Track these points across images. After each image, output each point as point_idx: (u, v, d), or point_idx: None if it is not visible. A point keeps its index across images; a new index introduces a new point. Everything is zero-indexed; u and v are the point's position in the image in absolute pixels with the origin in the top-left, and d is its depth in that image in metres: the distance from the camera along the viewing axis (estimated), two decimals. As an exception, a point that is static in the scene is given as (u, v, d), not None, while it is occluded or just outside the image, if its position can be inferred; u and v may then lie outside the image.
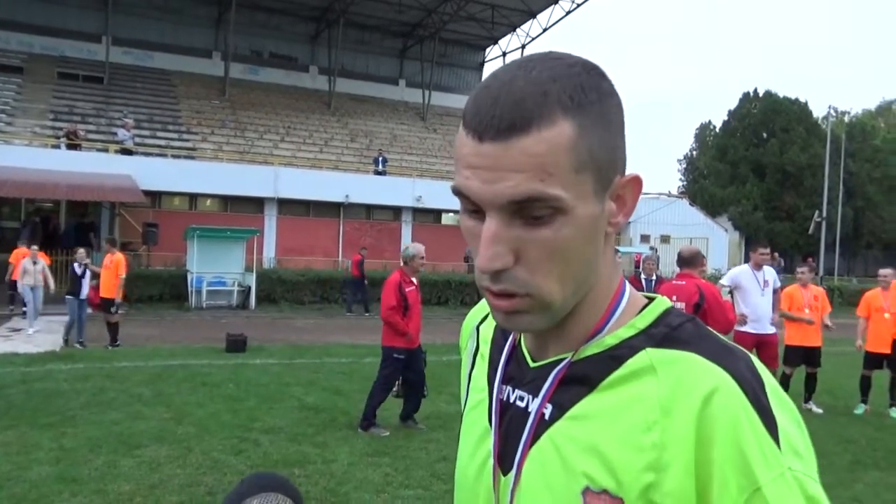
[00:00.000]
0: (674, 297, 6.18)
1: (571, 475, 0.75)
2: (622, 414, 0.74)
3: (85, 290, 11.95)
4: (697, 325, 0.78)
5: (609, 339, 0.78)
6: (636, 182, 0.78)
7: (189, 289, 19.02)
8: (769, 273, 7.90)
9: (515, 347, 0.88)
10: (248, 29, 32.23)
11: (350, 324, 17.33)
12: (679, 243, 20.94)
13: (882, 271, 8.63)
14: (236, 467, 5.49)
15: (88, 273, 12.12)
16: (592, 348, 0.79)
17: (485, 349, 0.95)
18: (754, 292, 7.66)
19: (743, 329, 7.47)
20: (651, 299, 0.84)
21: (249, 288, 19.65)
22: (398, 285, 6.56)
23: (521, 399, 0.83)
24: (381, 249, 24.22)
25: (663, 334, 0.77)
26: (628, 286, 0.84)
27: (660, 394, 0.72)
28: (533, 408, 0.81)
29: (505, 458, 0.82)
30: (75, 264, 12.11)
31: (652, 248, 23.17)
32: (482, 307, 0.99)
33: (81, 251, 12.37)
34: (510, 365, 0.88)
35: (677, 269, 6.39)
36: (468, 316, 1.03)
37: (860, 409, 8.39)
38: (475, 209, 0.74)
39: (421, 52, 35.38)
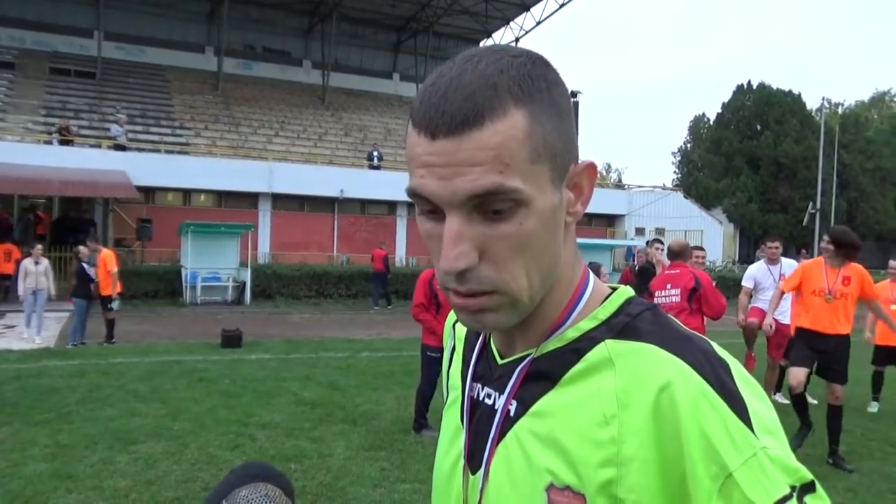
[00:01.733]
0: (668, 285, 6.32)
1: (535, 472, 0.75)
2: (581, 408, 0.73)
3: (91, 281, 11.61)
4: (657, 313, 0.78)
5: (570, 332, 0.78)
6: (591, 169, 0.77)
7: (184, 284, 18.98)
8: (787, 266, 7.84)
9: (486, 345, 0.88)
10: (241, 23, 32.09)
11: (346, 319, 17.32)
12: (673, 236, 20.97)
13: (893, 262, 8.38)
14: (233, 463, 5.48)
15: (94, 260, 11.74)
16: (554, 342, 0.78)
17: (459, 347, 0.95)
18: (770, 289, 7.66)
19: (757, 305, 7.53)
20: (614, 289, 0.83)
21: (244, 283, 19.61)
22: (428, 282, 6.32)
23: (489, 396, 0.83)
24: (376, 244, 24.18)
25: (623, 324, 0.76)
26: (592, 276, 0.84)
27: (616, 387, 0.72)
28: (499, 405, 0.81)
29: (474, 457, 0.82)
30: (84, 264, 11.64)
31: (656, 239, 23.14)
32: None
33: (83, 249, 11.98)
34: (480, 363, 0.88)
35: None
36: (449, 315, 1.02)
37: (875, 408, 8.11)
38: (433, 209, 0.72)
39: (415, 45, 35.30)
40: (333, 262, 23.99)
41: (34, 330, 12.15)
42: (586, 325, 0.78)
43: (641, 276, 8.45)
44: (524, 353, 0.80)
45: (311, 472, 5.32)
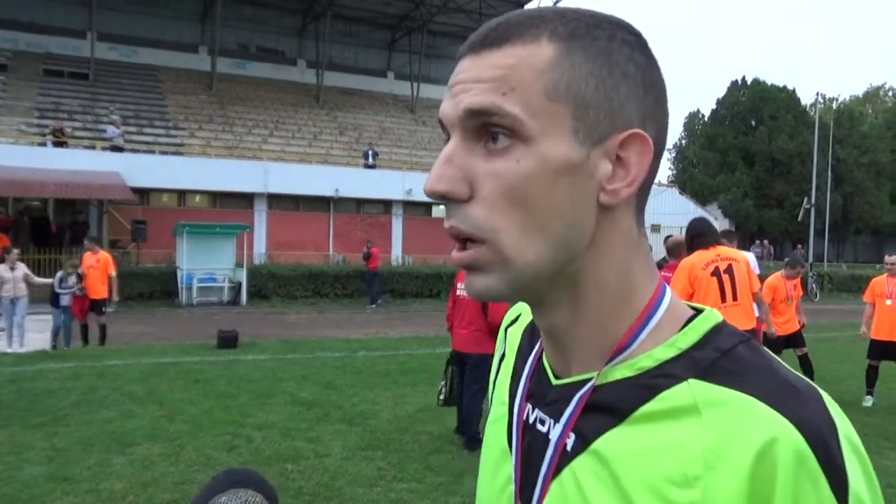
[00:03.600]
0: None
1: None
2: (656, 459, 0.62)
3: (65, 300, 11.43)
4: (753, 348, 0.65)
5: (643, 360, 0.66)
6: (641, 140, 0.64)
7: (179, 285, 18.96)
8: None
9: (540, 360, 0.77)
10: (235, 23, 31.99)
11: (343, 318, 17.32)
12: (669, 232, 21.01)
13: (889, 258, 8.33)
14: (229, 464, 5.48)
15: (73, 280, 11.48)
16: (622, 370, 0.67)
17: (510, 357, 0.85)
18: None
19: None
20: (698, 311, 0.70)
21: (240, 283, 19.59)
22: (455, 284, 6.15)
23: (542, 423, 0.72)
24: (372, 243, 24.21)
25: (710, 360, 0.64)
26: (668, 291, 0.71)
27: (704, 444, 0.60)
28: (554, 435, 0.70)
29: (525, 487, 0.73)
30: (57, 278, 11.49)
31: (671, 236, 23.20)
32: (516, 308, 0.90)
33: (72, 264, 11.82)
34: (533, 379, 0.77)
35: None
36: (505, 316, 0.93)
37: (868, 402, 8.08)
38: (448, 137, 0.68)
39: (409, 44, 35.24)
40: (329, 262, 23.97)
41: (16, 343, 11.26)
42: (662, 353, 0.66)
43: None
44: (583, 377, 0.69)
45: (307, 473, 5.31)
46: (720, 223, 36.90)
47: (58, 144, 21.91)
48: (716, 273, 5.53)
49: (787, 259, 9.39)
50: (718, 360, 0.63)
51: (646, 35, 0.68)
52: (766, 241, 36.54)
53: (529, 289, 0.67)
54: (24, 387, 8.21)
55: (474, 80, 0.64)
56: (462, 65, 0.66)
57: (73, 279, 11.59)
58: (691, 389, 0.62)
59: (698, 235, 5.78)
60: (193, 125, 27.66)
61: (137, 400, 7.65)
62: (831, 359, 10.16)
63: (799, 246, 37.92)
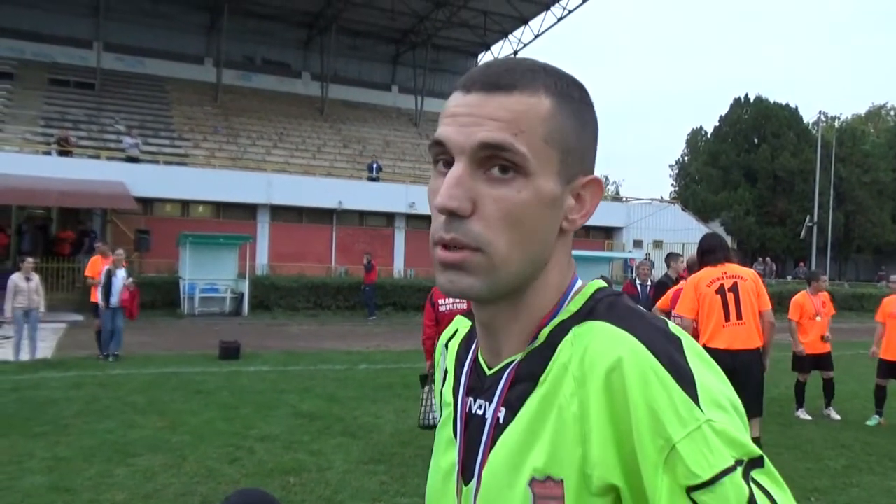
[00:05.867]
0: None
1: (520, 471, 0.76)
2: (554, 396, 0.75)
3: (115, 300, 10.95)
4: (620, 297, 0.80)
5: (546, 329, 0.80)
6: (596, 184, 0.82)
7: (182, 296, 18.96)
8: None
9: (476, 359, 0.89)
10: (241, 35, 32.17)
11: (345, 330, 17.30)
12: (671, 248, 21.01)
13: (894, 277, 8.42)
14: (231, 476, 5.47)
15: (124, 273, 11.16)
16: (535, 343, 0.81)
17: (451, 366, 0.97)
18: None
19: None
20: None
21: (242, 294, 19.60)
22: (435, 301, 5.84)
23: (480, 407, 0.84)
24: (374, 256, 24.19)
25: (588, 309, 0.79)
26: (579, 280, 0.86)
27: (573, 365, 0.74)
28: (489, 414, 0.82)
29: (467, 468, 0.84)
30: (108, 267, 11.01)
31: (647, 255, 23.25)
32: (453, 326, 1.03)
33: (120, 252, 11.42)
34: (471, 377, 0.89)
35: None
36: (443, 333, 1.05)
37: (873, 421, 8.03)
38: (445, 161, 0.78)
39: (413, 58, 35.39)
40: (331, 274, 23.98)
41: (26, 356, 10.95)
42: (559, 318, 0.80)
43: (658, 290, 8.19)
44: (510, 360, 0.82)
45: (309, 486, 5.29)
46: (722, 240, 36.81)
47: (63, 153, 22.00)
48: (720, 291, 5.48)
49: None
50: (593, 308, 0.79)
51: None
52: (768, 259, 36.48)
53: (501, 292, 0.78)
54: (25, 395, 8.21)
55: (488, 117, 0.75)
56: (470, 98, 0.77)
57: (122, 272, 11.15)
58: (573, 333, 0.77)
59: (708, 252, 5.72)
60: (198, 136, 27.76)
61: (139, 410, 7.63)
62: (836, 377, 10.11)
63: (801, 264, 37.87)
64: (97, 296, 11.31)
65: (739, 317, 5.41)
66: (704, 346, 5.35)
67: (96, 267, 11.59)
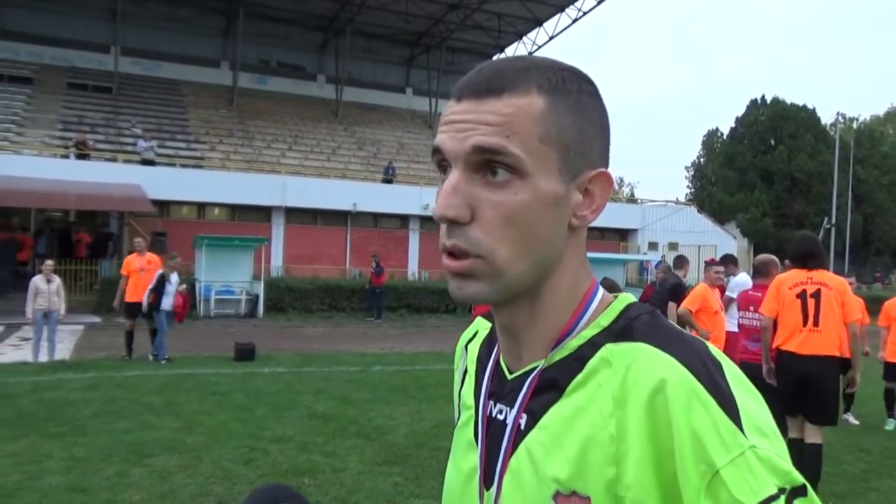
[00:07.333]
0: (751, 308, 6.05)
1: (543, 482, 0.75)
2: (585, 412, 0.74)
3: (168, 303, 11.10)
4: (655, 316, 0.79)
5: (574, 340, 0.79)
6: (605, 178, 0.80)
7: (197, 297, 19.07)
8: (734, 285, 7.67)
9: (498, 363, 0.89)
10: (256, 38, 32.36)
11: (359, 332, 17.34)
12: (686, 251, 20.87)
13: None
14: (246, 477, 5.49)
15: (176, 278, 11.28)
16: (560, 352, 0.80)
17: (471, 368, 0.96)
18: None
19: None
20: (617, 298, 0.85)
21: (257, 296, 19.71)
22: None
23: (501, 412, 0.84)
24: (388, 258, 24.24)
25: (622, 327, 0.78)
26: (600, 288, 0.85)
27: (613, 386, 0.73)
28: (510, 419, 0.82)
29: (488, 473, 0.84)
30: (161, 272, 11.07)
31: (662, 258, 23.12)
32: (473, 327, 1.02)
33: (176, 256, 11.56)
34: (493, 381, 0.89)
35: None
36: (461, 336, 1.05)
37: (890, 425, 7.99)
38: (445, 167, 0.78)
39: (428, 60, 35.47)
40: (346, 276, 24.05)
41: (45, 357, 11.01)
42: (589, 332, 0.79)
43: (673, 294, 8.11)
44: (532, 366, 0.82)
45: (324, 487, 5.31)
46: (738, 242, 36.63)
47: (81, 157, 22.22)
48: (801, 295, 5.29)
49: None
50: (628, 325, 0.77)
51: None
52: (787, 262, 36.17)
53: (511, 295, 0.78)
54: (44, 396, 8.29)
55: (480, 122, 0.75)
56: (462, 106, 0.77)
57: (175, 276, 11.38)
58: (608, 350, 0.76)
59: (812, 256, 5.47)
60: (214, 139, 27.95)
61: (155, 411, 7.69)
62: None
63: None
64: (141, 296, 11.11)
65: (816, 324, 5.22)
66: (777, 348, 5.35)
67: (131, 265, 11.59)
